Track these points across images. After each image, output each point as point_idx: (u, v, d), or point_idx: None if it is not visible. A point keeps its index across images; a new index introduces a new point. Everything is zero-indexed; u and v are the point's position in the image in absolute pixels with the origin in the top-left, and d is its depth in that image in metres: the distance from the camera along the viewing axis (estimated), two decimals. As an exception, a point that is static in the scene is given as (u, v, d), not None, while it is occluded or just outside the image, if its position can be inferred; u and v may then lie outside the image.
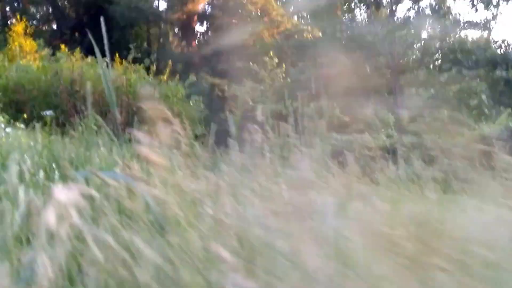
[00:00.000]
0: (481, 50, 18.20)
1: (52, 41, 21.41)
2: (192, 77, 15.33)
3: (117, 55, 14.20)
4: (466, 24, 17.31)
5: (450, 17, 17.52)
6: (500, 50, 19.75)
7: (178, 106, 13.36)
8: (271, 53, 20.81)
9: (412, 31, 17.43)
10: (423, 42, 18.71)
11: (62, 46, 14.91)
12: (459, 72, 17.48)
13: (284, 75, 19.83)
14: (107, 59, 1.56)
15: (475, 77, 17.92)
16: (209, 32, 29.45)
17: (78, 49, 14.58)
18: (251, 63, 19.32)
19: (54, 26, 29.27)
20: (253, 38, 26.60)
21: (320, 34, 19.65)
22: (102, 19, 1.69)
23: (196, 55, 27.50)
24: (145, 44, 27.84)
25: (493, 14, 20.80)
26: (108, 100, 1.62)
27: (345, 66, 18.61)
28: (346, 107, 18.07)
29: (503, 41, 20.19)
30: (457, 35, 18.22)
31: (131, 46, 14.88)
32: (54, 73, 12.80)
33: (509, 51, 19.48)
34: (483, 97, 17.09)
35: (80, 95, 12.29)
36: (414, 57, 19.54)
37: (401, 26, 17.30)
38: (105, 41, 1.63)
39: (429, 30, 18.24)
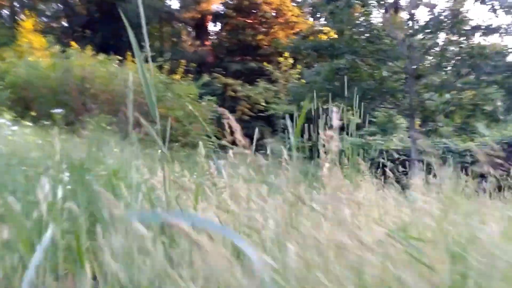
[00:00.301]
0: (500, 56, 17.76)
1: (63, 38, 21.10)
2: (205, 77, 15.02)
3: (129, 54, 13.91)
4: (485, 30, 16.85)
5: (469, 21, 17.07)
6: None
7: (190, 105, 13.01)
8: (286, 54, 20.44)
9: (430, 35, 17.04)
10: (440, 47, 18.29)
11: (73, 43, 14.54)
12: (477, 78, 17.12)
13: (299, 76, 19.44)
14: (143, 58, 1.20)
15: (492, 83, 17.61)
16: (223, 31, 29.09)
17: (89, 47, 14.22)
18: (265, 64, 18.99)
19: (65, 24, 29.01)
20: (267, 38, 26.25)
21: (336, 36, 19.31)
22: (140, 4, 1.26)
23: (210, 54, 27.21)
24: (157, 43, 27.52)
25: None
26: (147, 100, 1.19)
27: (361, 68, 18.28)
28: (360, 110, 17.58)
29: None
30: (476, 41, 17.77)
31: (143, 44, 14.47)
32: (64, 70, 12.44)
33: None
34: (498, 103, 16.78)
35: (91, 93, 11.94)
36: (431, 61, 19.12)
37: (419, 30, 16.94)
38: (146, 39, 1.20)
39: (447, 34, 17.80)
